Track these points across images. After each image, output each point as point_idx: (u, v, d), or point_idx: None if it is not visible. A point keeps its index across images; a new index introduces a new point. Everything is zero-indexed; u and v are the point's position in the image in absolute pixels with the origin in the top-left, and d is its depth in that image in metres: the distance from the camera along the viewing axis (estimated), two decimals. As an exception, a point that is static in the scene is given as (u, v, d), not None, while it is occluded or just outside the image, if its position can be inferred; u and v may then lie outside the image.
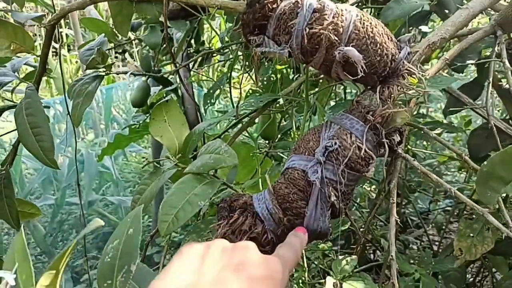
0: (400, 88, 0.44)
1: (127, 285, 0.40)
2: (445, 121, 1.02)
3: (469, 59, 0.78)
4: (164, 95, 1.05)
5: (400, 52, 0.43)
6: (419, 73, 0.44)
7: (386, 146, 0.44)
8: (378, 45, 0.42)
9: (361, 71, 0.41)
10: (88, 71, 0.63)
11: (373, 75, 0.43)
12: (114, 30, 0.66)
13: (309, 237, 0.46)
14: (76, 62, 4.45)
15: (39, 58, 0.69)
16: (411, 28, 0.96)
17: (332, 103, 1.48)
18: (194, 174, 0.58)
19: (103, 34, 0.70)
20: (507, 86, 0.69)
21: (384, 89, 0.44)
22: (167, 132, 0.69)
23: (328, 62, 0.44)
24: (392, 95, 0.44)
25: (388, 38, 0.43)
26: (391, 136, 0.45)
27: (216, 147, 0.57)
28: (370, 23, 0.42)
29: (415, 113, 1.22)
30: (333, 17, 0.42)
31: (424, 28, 1.05)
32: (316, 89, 1.05)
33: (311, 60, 0.45)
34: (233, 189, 0.60)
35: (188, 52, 1.52)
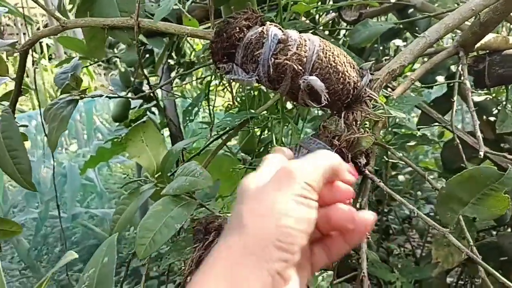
0: (364, 113, 0.46)
1: (102, 314, 0.41)
2: (419, 133, 1.05)
3: (438, 74, 0.80)
4: (147, 112, 1.06)
5: (362, 80, 0.45)
6: (384, 98, 0.46)
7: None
8: (340, 73, 0.43)
9: (325, 100, 0.43)
10: (63, 95, 0.64)
11: (337, 101, 0.45)
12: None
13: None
14: (58, 72, 4.40)
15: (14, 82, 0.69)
16: (384, 44, 0.99)
17: (315, 111, 1.50)
18: (171, 196, 0.59)
19: (77, 57, 0.71)
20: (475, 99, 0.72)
21: (348, 114, 0.46)
22: (144, 153, 0.69)
23: (294, 89, 0.45)
24: (357, 120, 0.46)
25: (351, 67, 0.45)
26: (358, 159, 0.47)
27: (191, 169, 0.58)
28: (332, 53, 0.44)
29: (392, 123, 1.24)
30: (297, 48, 0.43)
31: (397, 42, 1.09)
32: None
33: (278, 87, 0.46)
34: (209, 210, 0.61)
35: (169, 64, 1.53)
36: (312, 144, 0.47)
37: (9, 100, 0.71)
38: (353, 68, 0.45)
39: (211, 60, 0.50)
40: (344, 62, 0.44)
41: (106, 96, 0.63)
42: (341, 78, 0.43)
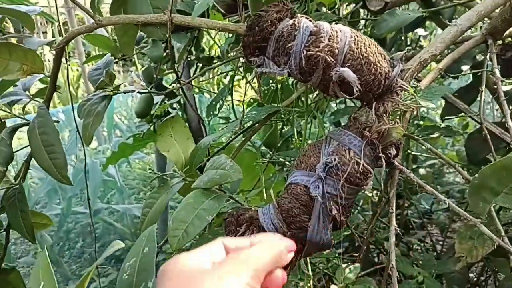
0: (395, 104, 0.46)
1: (145, 301, 0.42)
2: (443, 125, 1.04)
3: (464, 64, 0.80)
4: (168, 107, 1.08)
5: (393, 70, 0.45)
6: (412, 88, 0.47)
7: (383, 160, 0.47)
8: (372, 64, 0.44)
9: (357, 91, 0.43)
10: (96, 91, 0.66)
11: (368, 92, 0.46)
12: (119, 49, 0.68)
13: (313, 249, 0.48)
14: (77, 70, 4.49)
15: (49, 78, 0.72)
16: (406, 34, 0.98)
17: (333, 105, 1.50)
18: (201, 189, 0.60)
19: (109, 54, 0.73)
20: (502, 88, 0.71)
21: (379, 105, 0.46)
22: (173, 147, 0.71)
23: (326, 81, 0.46)
24: (387, 111, 0.46)
25: (382, 57, 0.45)
26: (388, 150, 0.48)
27: (221, 163, 0.59)
28: (364, 44, 0.44)
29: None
30: (329, 40, 0.44)
31: (420, 31, 1.08)
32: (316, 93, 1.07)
33: (310, 79, 0.47)
34: (239, 203, 0.63)
35: (189, 59, 1.55)
36: (343, 136, 0.48)
37: (43, 96, 0.74)
38: (384, 58, 0.45)
39: (235, 54, 0.51)
40: (375, 53, 0.44)
41: (138, 92, 0.65)
42: (373, 69, 0.44)
